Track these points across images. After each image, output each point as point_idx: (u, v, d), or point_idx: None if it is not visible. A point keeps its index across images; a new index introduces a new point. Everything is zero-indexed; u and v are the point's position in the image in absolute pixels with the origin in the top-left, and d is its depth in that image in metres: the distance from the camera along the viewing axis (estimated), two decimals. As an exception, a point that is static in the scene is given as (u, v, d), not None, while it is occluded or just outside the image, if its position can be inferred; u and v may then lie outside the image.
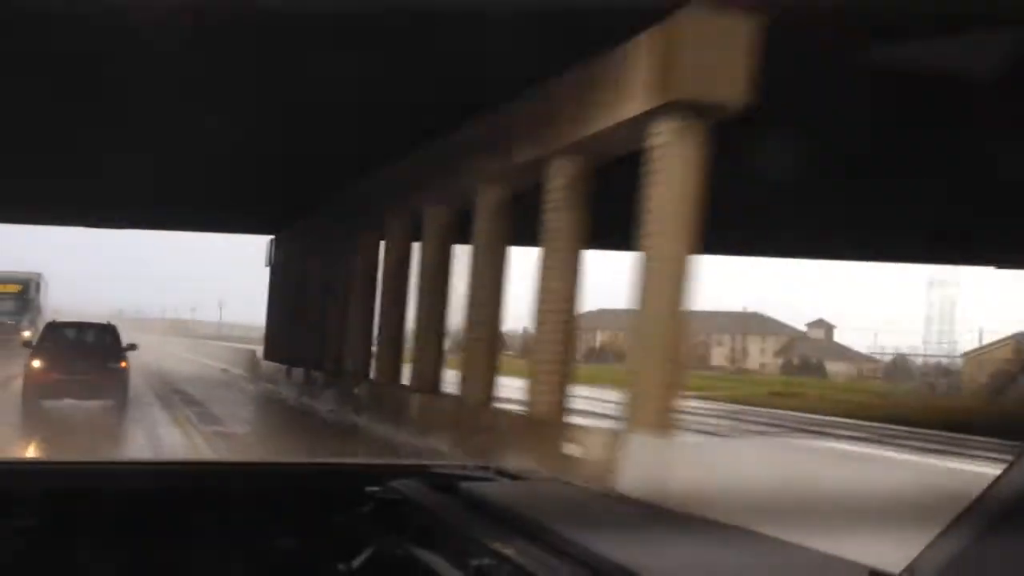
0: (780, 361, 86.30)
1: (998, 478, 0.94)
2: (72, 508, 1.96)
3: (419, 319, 13.90)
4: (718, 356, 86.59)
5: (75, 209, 22.94)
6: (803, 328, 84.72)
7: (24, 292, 39.17)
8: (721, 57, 7.20)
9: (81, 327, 18.34)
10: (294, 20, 7.91)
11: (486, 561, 1.47)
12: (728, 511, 4.25)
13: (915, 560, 0.97)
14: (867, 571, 1.10)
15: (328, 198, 18.11)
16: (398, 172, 14.27)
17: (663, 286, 7.89)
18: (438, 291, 13.12)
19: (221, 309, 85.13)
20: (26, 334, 26.68)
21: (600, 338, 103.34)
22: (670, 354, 7.92)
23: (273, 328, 25.19)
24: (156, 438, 12.96)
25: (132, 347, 17.27)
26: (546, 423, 9.03)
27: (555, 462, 8.33)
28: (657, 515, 1.77)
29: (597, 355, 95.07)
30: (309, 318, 20.47)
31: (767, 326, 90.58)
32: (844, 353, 66.33)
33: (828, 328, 73.19)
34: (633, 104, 7.91)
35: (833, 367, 61.40)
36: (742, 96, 7.23)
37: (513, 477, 2.10)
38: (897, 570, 1.00)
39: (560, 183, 9.20)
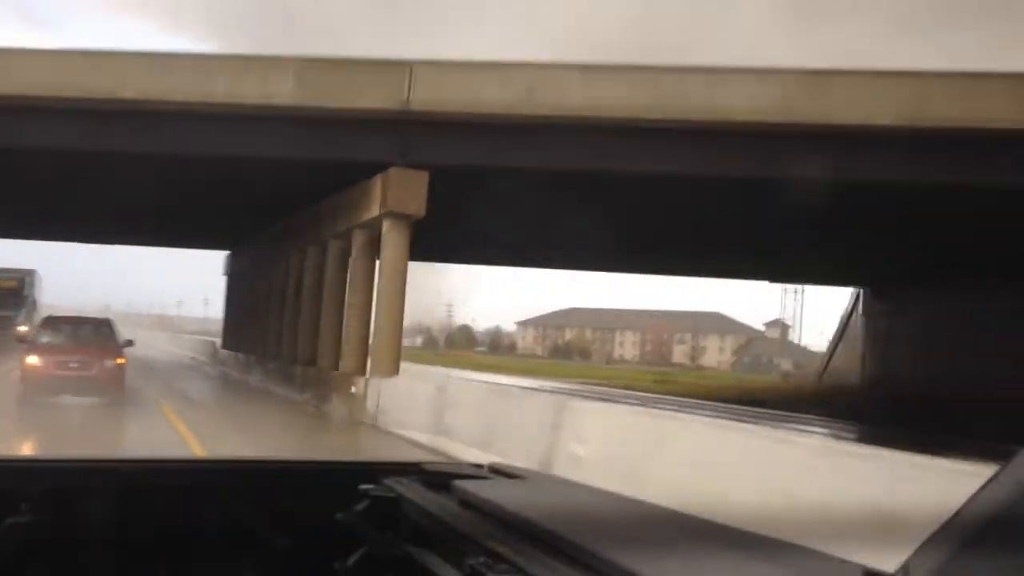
0: (734, 358, 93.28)
1: (991, 479, 0.97)
2: (67, 505, 1.96)
3: (323, 318, 20.73)
4: (679, 353, 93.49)
5: (70, 228, 30.05)
6: (761, 328, 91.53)
7: (19, 288, 39.73)
8: (410, 190, 14.29)
9: (78, 322, 18.68)
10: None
11: (481, 560, 1.46)
12: (398, 415, 11.81)
13: (909, 560, 0.99)
14: (862, 571, 1.13)
15: (267, 227, 24.96)
16: (308, 215, 20.97)
17: (390, 302, 15.09)
18: (335, 299, 19.88)
19: (206, 305, 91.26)
20: (22, 329, 27.24)
21: (568, 335, 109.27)
22: (394, 339, 15.28)
23: (228, 324, 32.14)
24: (134, 391, 17.01)
25: (129, 343, 17.38)
26: (347, 376, 15.93)
27: (345, 396, 15.27)
28: (654, 515, 1.76)
29: (562, 352, 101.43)
30: (253, 316, 27.31)
31: (728, 326, 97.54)
32: (796, 351, 71.29)
33: (784, 328, 77.00)
34: (375, 209, 15.05)
35: (785, 364, 66.20)
36: (422, 208, 14.41)
37: (508, 476, 2.10)
38: (892, 569, 1.02)
39: (359, 243, 16.20)
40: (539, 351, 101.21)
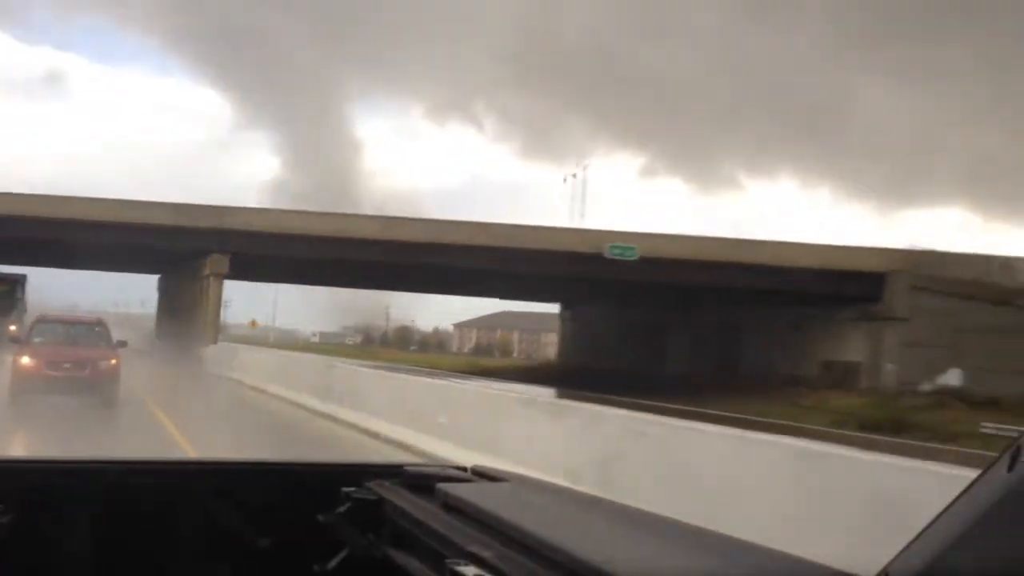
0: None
1: (973, 483, 0.97)
2: (47, 506, 1.95)
3: (195, 318, 38.30)
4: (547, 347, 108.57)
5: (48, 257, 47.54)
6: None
7: (11, 291, 40.82)
8: (220, 264, 32.46)
9: (72, 322, 18.40)
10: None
11: (462, 563, 1.46)
12: (214, 365, 29.99)
13: (890, 563, 1.00)
14: (837, 574, 1.15)
15: (176, 269, 42.58)
16: (192, 267, 38.42)
17: (213, 312, 33.46)
18: (199, 309, 37.50)
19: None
20: (12, 328, 27.38)
21: (498, 336, 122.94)
22: (215, 329, 33.59)
23: (159, 320, 49.83)
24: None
25: (123, 344, 17.00)
26: (202, 347, 33.69)
27: (199, 356, 32.89)
28: (636, 518, 1.76)
29: (484, 350, 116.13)
30: (169, 315, 44.86)
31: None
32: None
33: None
34: (207, 271, 33.21)
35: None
36: (225, 270, 32.57)
37: (491, 479, 2.09)
38: (872, 572, 1.04)
39: (204, 285, 34.26)
40: (465, 349, 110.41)
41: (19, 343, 16.29)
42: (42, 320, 17.77)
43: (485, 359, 73.55)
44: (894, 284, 29.08)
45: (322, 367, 21.58)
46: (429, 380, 19.20)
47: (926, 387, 27.27)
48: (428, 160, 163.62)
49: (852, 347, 30.44)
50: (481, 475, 2.12)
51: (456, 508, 1.77)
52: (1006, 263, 28.80)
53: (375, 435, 13.55)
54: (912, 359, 28.14)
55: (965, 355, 27.28)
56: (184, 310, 39.04)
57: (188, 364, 31.41)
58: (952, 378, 27.41)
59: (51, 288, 45.30)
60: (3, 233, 31.78)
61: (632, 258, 29.83)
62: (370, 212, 53.31)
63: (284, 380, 21.15)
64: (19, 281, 41.20)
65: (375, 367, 26.88)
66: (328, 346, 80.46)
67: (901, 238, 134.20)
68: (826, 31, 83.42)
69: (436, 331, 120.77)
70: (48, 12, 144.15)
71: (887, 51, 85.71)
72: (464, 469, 2.16)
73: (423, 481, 1.95)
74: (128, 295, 53.49)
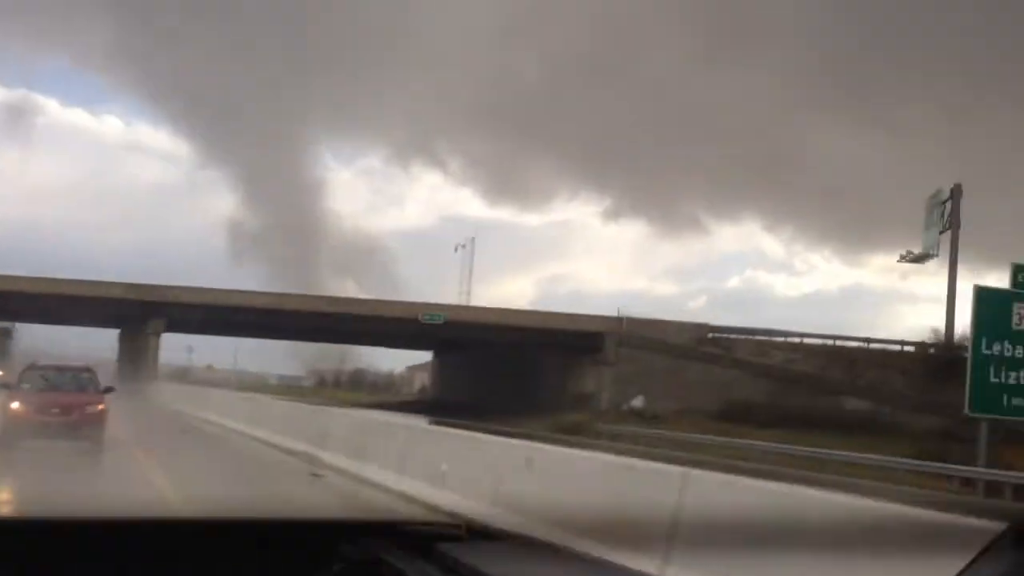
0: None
1: (974, 560, 1.01)
2: (44, 564, 1.95)
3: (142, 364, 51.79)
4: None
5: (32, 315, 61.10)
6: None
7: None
8: (159, 324, 46.09)
9: (60, 369, 18.35)
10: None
11: None
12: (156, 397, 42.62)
13: None
14: None
15: (131, 326, 56.11)
16: (142, 326, 52.44)
17: (150, 358, 47.01)
18: (145, 356, 51.02)
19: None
20: (1, 374, 27.42)
21: (416, 383, 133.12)
22: (153, 370, 47.03)
23: (119, 364, 63.35)
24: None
25: (110, 389, 17.31)
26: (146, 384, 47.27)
27: (145, 391, 46.52)
28: None
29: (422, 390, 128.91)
30: (128, 361, 58.42)
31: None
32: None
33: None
34: (152, 329, 46.99)
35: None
36: (161, 330, 46.37)
37: (485, 536, 2.09)
38: None
39: (150, 339, 47.93)
40: (415, 389, 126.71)
41: (9, 389, 16.59)
42: (31, 367, 18.04)
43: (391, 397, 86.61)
44: (608, 340, 43.22)
45: (214, 394, 35.38)
46: (299, 404, 33.07)
47: (623, 407, 41.44)
48: (392, 201, 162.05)
49: (589, 382, 44.49)
50: (474, 531, 2.10)
51: (454, 570, 1.75)
52: (680, 326, 43.08)
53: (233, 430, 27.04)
54: (618, 390, 42.38)
55: (646, 387, 41.63)
56: (137, 357, 52.60)
57: (136, 396, 44.56)
58: (638, 402, 41.63)
59: (35, 339, 51.87)
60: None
61: (439, 322, 43.87)
62: (329, 252, 67.63)
63: (192, 402, 34.90)
64: (6, 331, 45.97)
65: (270, 398, 40.72)
66: (282, 387, 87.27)
67: (865, 279, 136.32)
68: (782, 74, 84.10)
69: (391, 373, 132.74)
70: (11, 52, 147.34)
71: (841, 96, 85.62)
72: (458, 527, 2.13)
73: (419, 540, 1.94)
74: (100, 343, 65.14)
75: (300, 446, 16.85)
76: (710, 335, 43.51)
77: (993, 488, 21.32)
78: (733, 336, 43.54)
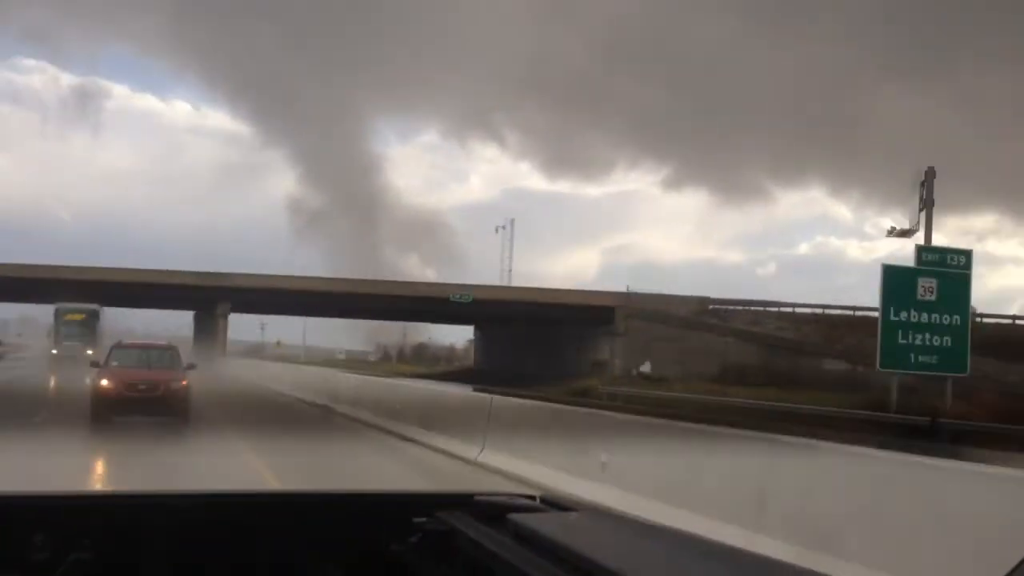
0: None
1: None
2: (129, 540, 2.00)
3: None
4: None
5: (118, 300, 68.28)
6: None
7: (88, 319, 47.98)
8: (225, 306, 52.42)
9: (145, 347, 19.21)
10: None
11: None
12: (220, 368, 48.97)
13: None
14: None
15: (202, 308, 62.78)
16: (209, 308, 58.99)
17: (223, 335, 53.46)
18: (223, 334, 57.55)
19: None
20: (90, 352, 29.50)
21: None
22: (222, 347, 53.38)
23: (195, 342, 70.35)
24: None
25: (192, 366, 18.06)
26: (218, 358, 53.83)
27: (210, 366, 53.01)
28: (709, 551, 1.73)
29: None
30: (201, 339, 65.21)
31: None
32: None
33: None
34: (219, 311, 53.39)
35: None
36: (228, 313, 52.61)
37: (561, 508, 2.08)
38: None
39: (219, 317, 54.35)
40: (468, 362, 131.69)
41: (98, 367, 17.20)
42: (119, 346, 18.74)
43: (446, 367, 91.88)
44: (618, 313, 47.92)
45: (270, 366, 41.58)
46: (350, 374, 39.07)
47: (633, 373, 46.26)
48: (452, 176, 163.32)
49: (604, 350, 49.33)
50: (550, 504, 2.10)
51: (528, 539, 1.74)
52: (683, 299, 47.65)
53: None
54: (628, 357, 47.21)
55: (653, 354, 46.39)
56: (209, 336, 59.11)
57: (207, 370, 50.94)
58: (646, 367, 46.42)
59: (119, 320, 55.84)
60: (85, 286, 49.97)
61: (468, 301, 49.15)
62: (389, 228, 72.68)
63: (252, 372, 41.08)
64: (95, 313, 47.94)
65: (312, 367, 46.80)
66: (349, 361, 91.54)
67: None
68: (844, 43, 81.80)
69: (452, 347, 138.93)
70: (76, 39, 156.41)
71: (905, 60, 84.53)
72: (532, 498, 2.14)
73: (493, 511, 1.94)
74: (179, 323, 71.74)
75: (319, 400, 22.81)
76: (710, 307, 47.99)
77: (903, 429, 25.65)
78: (731, 308, 47.90)
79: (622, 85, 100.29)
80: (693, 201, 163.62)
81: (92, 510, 2.13)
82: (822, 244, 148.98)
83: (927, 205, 42.91)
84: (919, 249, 28.13)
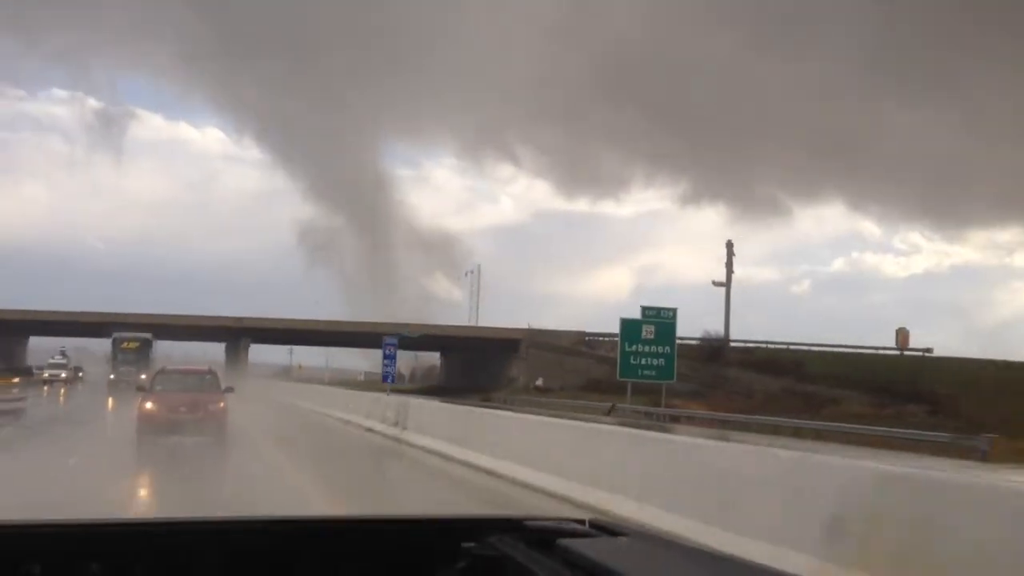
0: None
1: None
2: (177, 566, 2.02)
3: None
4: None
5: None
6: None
7: (141, 348, 51.94)
8: (247, 341, 72.99)
9: (186, 372, 20.42)
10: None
11: None
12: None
13: None
14: None
15: (232, 341, 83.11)
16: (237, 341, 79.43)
17: (243, 362, 74.12)
18: (244, 362, 77.97)
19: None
20: (142, 377, 31.91)
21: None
22: (245, 372, 74.04)
23: (226, 368, 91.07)
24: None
25: (230, 390, 19.06)
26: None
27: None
28: (757, 573, 1.74)
29: None
30: (231, 365, 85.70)
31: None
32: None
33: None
34: (243, 344, 73.95)
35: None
36: (247, 350, 73.19)
37: (611, 533, 2.06)
38: None
39: (240, 349, 74.95)
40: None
41: (144, 391, 18.59)
42: (162, 372, 20.26)
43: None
44: (522, 343, 67.77)
45: (282, 385, 61.94)
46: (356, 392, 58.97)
47: (531, 386, 66.18)
48: (465, 197, 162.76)
49: (514, 369, 69.20)
50: (600, 528, 2.08)
51: (578, 565, 1.74)
52: (567, 333, 67.50)
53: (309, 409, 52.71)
54: (529, 374, 67.23)
55: (544, 372, 66.37)
56: (237, 363, 79.10)
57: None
58: (540, 382, 66.36)
59: (165, 350, 63.20)
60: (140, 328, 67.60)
61: (417, 336, 69.26)
62: (403, 250, 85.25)
63: (267, 390, 61.12)
64: (148, 342, 52.64)
65: (314, 386, 66.88)
66: (363, 383, 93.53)
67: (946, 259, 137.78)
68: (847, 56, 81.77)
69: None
70: (103, 68, 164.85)
71: (911, 76, 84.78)
72: (582, 522, 2.13)
73: (542, 536, 1.93)
74: (216, 351, 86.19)
75: (316, 407, 42.41)
76: (586, 338, 67.90)
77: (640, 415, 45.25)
78: (601, 339, 67.64)
79: (634, 100, 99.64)
80: (712, 217, 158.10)
81: (141, 536, 2.15)
82: (856, 261, 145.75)
83: (728, 270, 62.75)
84: (643, 308, 47.83)
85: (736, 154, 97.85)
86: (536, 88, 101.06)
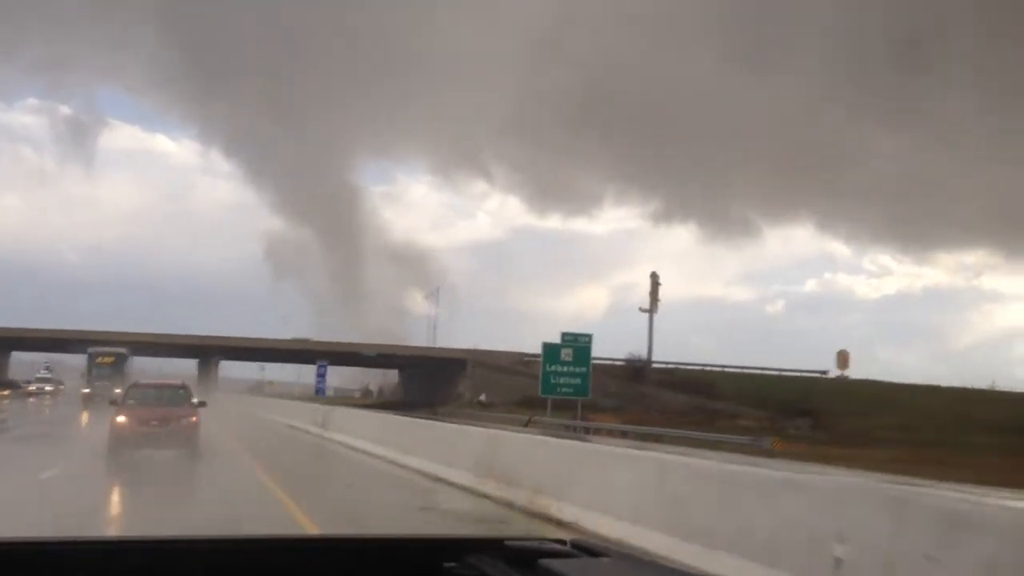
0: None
1: None
2: None
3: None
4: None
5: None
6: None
7: (116, 363, 51.37)
8: (218, 360, 79.19)
9: (159, 387, 20.20)
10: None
11: None
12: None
13: None
14: None
15: (203, 358, 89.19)
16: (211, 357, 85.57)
17: (211, 379, 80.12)
18: (214, 378, 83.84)
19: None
20: (116, 391, 29.57)
21: None
22: (215, 386, 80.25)
23: (197, 383, 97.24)
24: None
25: (202, 404, 18.95)
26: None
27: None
28: None
29: None
30: (202, 380, 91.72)
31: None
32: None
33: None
34: (213, 362, 79.98)
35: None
36: (220, 361, 79.37)
37: (592, 553, 2.05)
38: None
39: (210, 367, 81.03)
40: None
41: (116, 405, 18.43)
42: (135, 386, 20.33)
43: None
44: (468, 363, 74.42)
45: (247, 399, 68.23)
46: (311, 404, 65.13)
47: (475, 401, 72.76)
48: (440, 213, 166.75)
49: (461, 386, 75.74)
50: (581, 548, 2.07)
51: None
52: (507, 354, 74.44)
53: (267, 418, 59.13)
54: (474, 391, 73.80)
55: (487, 389, 72.97)
56: (208, 378, 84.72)
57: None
58: (483, 397, 72.92)
59: (138, 365, 65.82)
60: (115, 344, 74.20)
61: (374, 355, 75.64)
62: (374, 265, 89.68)
63: (234, 403, 67.34)
64: (124, 356, 52.48)
65: (274, 400, 73.06)
66: (336, 399, 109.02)
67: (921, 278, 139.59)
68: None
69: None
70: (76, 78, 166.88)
71: (880, 99, 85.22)
72: (563, 542, 2.12)
73: (524, 556, 1.93)
74: (186, 368, 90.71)
75: (271, 416, 48.89)
76: (524, 359, 74.67)
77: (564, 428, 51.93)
78: (537, 359, 74.43)
79: (605, 118, 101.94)
80: (684, 235, 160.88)
81: (111, 555, 2.10)
82: (829, 282, 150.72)
83: (652, 301, 69.79)
84: (562, 334, 54.60)
85: (708, 174, 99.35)
86: (509, 106, 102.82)
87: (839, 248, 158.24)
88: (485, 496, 13.37)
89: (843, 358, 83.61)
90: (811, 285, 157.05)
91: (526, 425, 49.71)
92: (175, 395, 19.27)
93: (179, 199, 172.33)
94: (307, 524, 10.44)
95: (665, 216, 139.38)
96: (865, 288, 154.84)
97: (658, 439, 43.17)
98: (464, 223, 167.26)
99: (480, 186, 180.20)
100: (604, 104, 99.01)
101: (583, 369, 52.97)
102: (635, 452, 11.84)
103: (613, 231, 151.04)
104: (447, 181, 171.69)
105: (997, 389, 69.36)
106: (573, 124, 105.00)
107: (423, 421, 22.77)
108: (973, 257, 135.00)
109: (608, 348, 75.88)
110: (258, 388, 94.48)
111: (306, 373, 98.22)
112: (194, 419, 18.13)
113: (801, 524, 6.68)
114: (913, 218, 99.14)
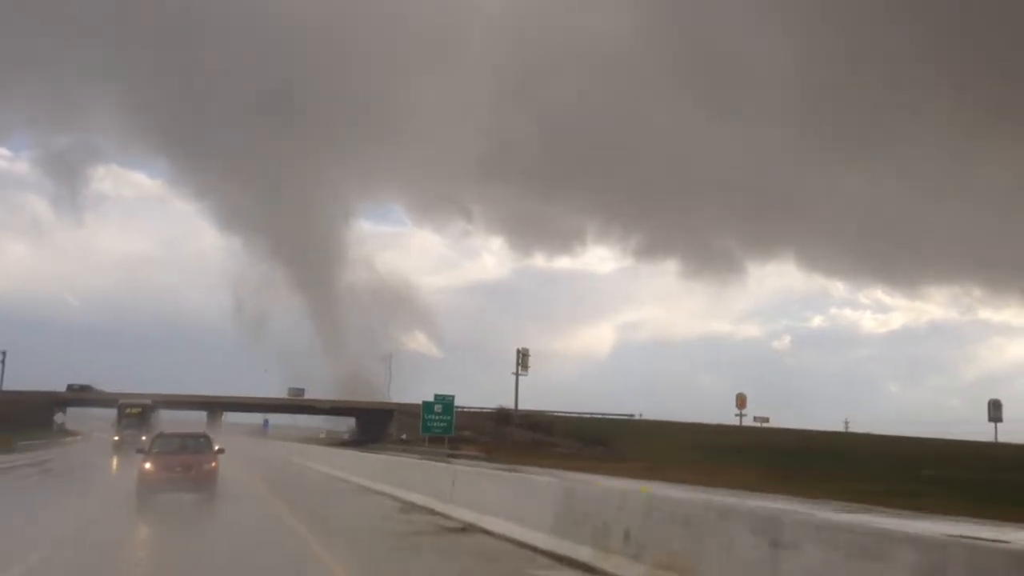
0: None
1: None
2: None
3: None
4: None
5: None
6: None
7: (143, 414, 55.27)
8: (222, 412, 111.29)
9: (182, 436, 21.31)
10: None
11: None
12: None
13: None
14: None
15: (211, 411, 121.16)
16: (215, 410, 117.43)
17: (218, 426, 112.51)
18: (218, 425, 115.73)
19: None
20: (143, 439, 34.46)
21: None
22: (219, 433, 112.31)
23: (208, 429, 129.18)
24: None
25: (221, 451, 20.21)
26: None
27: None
28: None
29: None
30: (211, 427, 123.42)
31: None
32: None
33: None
34: (217, 413, 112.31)
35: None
36: (223, 414, 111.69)
37: None
38: None
39: (215, 417, 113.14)
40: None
41: (143, 453, 19.86)
42: (161, 435, 21.49)
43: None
44: (396, 412, 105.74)
45: (249, 441, 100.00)
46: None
47: (402, 438, 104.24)
48: (421, 253, 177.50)
49: (394, 428, 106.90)
50: None
51: None
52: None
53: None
54: (402, 431, 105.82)
55: (408, 431, 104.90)
56: (215, 425, 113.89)
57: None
58: (404, 436, 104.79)
59: (166, 417, 73.78)
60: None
61: (327, 408, 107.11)
62: (351, 302, 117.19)
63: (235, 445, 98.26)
64: (151, 407, 57.14)
65: (275, 441, 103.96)
66: (326, 439, 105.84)
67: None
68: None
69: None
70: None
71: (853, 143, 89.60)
72: None
73: None
74: (197, 417, 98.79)
75: (263, 452, 79.58)
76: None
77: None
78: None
79: (584, 161, 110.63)
80: (671, 270, 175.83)
81: None
82: (835, 316, 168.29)
83: (519, 368, 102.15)
84: (435, 395, 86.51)
85: (688, 214, 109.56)
86: (490, 151, 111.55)
87: (836, 286, 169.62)
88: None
89: (741, 399, 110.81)
90: (817, 321, 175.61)
91: (403, 451, 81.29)
92: (196, 444, 20.76)
93: (185, 246, 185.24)
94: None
95: (648, 253, 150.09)
96: (872, 323, 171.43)
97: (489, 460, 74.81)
98: (451, 266, 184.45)
99: (460, 225, 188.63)
100: (575, 148, 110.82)
101: (448, 417, 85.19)
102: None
103: (620, 271, 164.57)
104: (428, 220, 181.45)
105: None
106: (549, 167, 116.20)
107: (350, 451, 52.71)
108: (962, 291, 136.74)
109: (500, 397, 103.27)
110: (260, 432, 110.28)
111: (301, 418, 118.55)
112: (214, 464, 19.60)
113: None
114: (884, 251, 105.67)
